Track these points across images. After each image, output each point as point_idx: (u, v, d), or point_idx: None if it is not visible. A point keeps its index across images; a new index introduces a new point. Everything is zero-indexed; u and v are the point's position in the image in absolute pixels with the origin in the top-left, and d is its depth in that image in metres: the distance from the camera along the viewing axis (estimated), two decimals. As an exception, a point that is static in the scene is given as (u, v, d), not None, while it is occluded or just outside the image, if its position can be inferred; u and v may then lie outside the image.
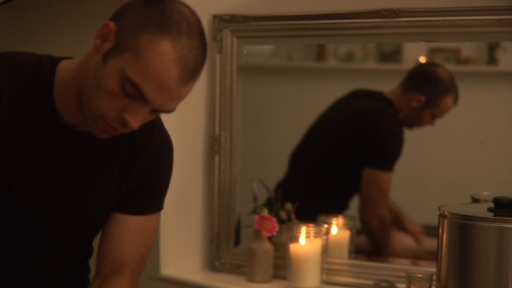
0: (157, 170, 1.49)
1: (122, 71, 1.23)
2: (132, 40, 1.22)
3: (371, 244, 2.34)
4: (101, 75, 1.25)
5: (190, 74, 1.25)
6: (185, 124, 2.20)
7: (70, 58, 1.40)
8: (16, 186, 1.36)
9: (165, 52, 1.21)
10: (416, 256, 2.31)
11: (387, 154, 2.32)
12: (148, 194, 1.49)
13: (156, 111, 1.29)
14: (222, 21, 2.22)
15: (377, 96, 2.38)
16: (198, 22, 1.28)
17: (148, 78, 1.22)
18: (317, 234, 2.04)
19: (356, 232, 2.26)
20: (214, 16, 2.22)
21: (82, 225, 1.46)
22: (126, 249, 1.49)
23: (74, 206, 1.42)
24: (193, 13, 1.28)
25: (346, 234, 2.21)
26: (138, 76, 1.22)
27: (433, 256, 1.66)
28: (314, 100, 2.55)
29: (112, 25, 1.26)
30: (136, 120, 1.27)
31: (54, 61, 1.38)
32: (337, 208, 2.36)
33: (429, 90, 2.33)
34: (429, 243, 2.33)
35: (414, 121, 2.36)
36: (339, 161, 2.37)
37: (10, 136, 1.34)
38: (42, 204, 1.39)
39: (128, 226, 1.48)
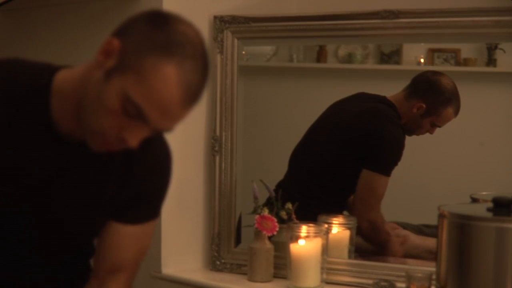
0: (154, 182, 1.48)
1: (124, 91, 1.22)
2: (136, 61, 1.21)
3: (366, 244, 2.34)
4: (102, 93, 1.24)
5: (192, 98, 1.25)
6: (186, 125, 2.18)
7: (69, 66, 1.39)
8: (8, 191, 1.36)
9: (169, 76, 1.21)
10: (415, 256, 2.31)
11: (387, 159, 2.31)
12: (145, 204, 1.49)
13: (155, 130, 1.29)
14: (223, 22, 2.23)
15: (381, 100, 2.38)
16: (202, 43, 1.27)
17: (150, 101, 1.21)
18: (317, 234, 2.05)
19: (356, 232, 2.27)
20: (215, 17, 2.23)
21: (74, 233, 1.47)
22: (122, 255, 1.51)
23: (67, 214, 1.42)
24: (197, 33, 1.27)
25: (346, 234, 2.22)
26: (140, 98, 1.21)
27: (433, 255, 1.66)
28: (314, 100, 2.56)
29: (116, 42, 1.24)
30: (134, 138, 1.27)
31: (52, 70, 1.37)
32: (336, 207, 2.37)
33: (431, 98, 2.33)
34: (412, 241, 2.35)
35: (414, 129, 2.36)
36: (340, 161, 2.37)
37: (4, 142, 1.34)
38: (34, 211, 1.39)
39: (124, 235, 1.49)
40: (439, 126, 2.34)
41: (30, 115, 1.34)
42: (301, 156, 2.44)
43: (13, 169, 1.35)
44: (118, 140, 1.27)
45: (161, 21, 1.25)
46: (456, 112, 2.32)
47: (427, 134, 2.38)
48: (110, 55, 1.24)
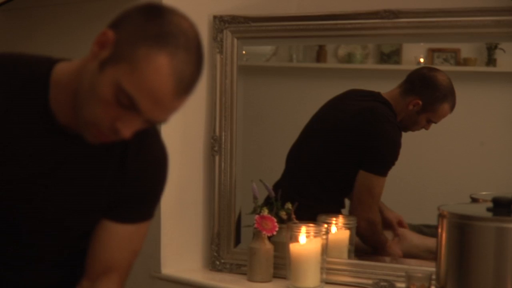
0: (149, 181, 1.48)
1: (117, 81, 1.23)
2: (129, 51, 1.22)
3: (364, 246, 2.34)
4: (96, 83, 1.25)
5: (185, 89, 1.25)
6: (185, 125, 2.21)
7: (68, 59, 1.40)
8: (5, 182, 1.37)
9: (162, 66, 1.21)
10: (415, 256, 2.31)
11: (383, 160, 2.31)
12: (139, 203, 1.49)
13: (149, 121, 1.30)
14: (222, 22, 2.23)
15: (376, 98, 2.38)
16: (197, 36, 1.27)
17: (142, 91, 1.22)
18: (317, 234, 2.04)
19: (355, 232, 2.27)
20: (215, 17, 2.23)
21: (69, 226, 1.46)
22: (114, 256, 1.50)
23: (62, 207, 1.42)
24: (192, 25, 1.27)
25: (346, 234, 2.21)
26: (133, 88, 1.22)
27: (433, 255, 1.66)
28: (314, 100, 2.55)
29: (110, 33, 1.25)
30: (128, 129, 1.27)
31: (51, 62, 1.38)
32: (335, 207, 2.37)
33: (426, 95, 2.33)
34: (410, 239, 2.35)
35: (410, 125, 2.35)
36: (337, 161, 2.37)
37: (2, 134, 1.34)
38: (30, 203, 1.40)
39: (117, 234, 1.49)
40: (435, 122, 2.34)
41: (29, 106, 1.35)
42: (297, 155, 2.44)
43: (10, 159, 1.36)
44: (111, 131, 1.28)
45: (155, 12, 1.25)
46: (452, 108, 2.31)
47: (427, 134, 2.37)
48: (104, 46, 1.25)
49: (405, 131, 2.34)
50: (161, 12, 1.26)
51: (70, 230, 1.47)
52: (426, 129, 2.35)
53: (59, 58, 1.40)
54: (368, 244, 2.33)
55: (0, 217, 1.40)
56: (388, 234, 2.38)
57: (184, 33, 1.24)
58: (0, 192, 1.37)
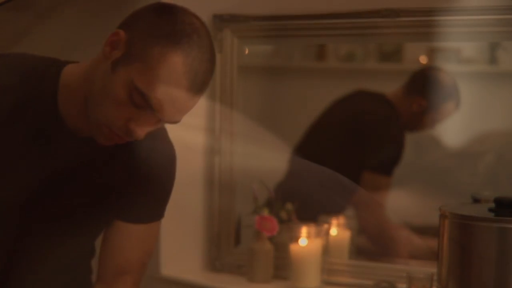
0: (160, 181, 1.48)
1: (130, 80, 1.23)
2: (142, 50, 1.23)
3: (372, 247, 2.33)
4: (109, 83, 1.25)
5: (199, 87, 1.26)
6: (185, 124, 2.19)
7: (76, 62, 1.40)
8: (12, 184, 1.36)
9: (176, 64, 1.22)
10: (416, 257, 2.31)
11: (387, 160, 2.31)
12: (149, 203, 1.49)
13: (162, 121, 1.30)
14: (222, 20, 2.22)
15: (380, 99, 2.38)
16: (208, 34, 1.28)
17: (157, 90, 1.22)
18: (317, 234, 2.04)
19: (356, 232, 2.26)
20: (215, 16, 2.22)
21: (75, 230, 1.46)
22: (128, 257, 1.50)
23: (71, 210, 1.42)
24: (203, 24, 1.28)
25: (346, 234, 2.21)
26: (147, 87, 1.22)
27: (434, 255, 1.65)
28: (315, 100, 2.55)
29: (122, 33, 1.26)
30: (141, 129, 1.28)
31: (59, 64, 1.38)
32: (336, 207, 2.36)
33: (430, 94, 2.33)
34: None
35: (415, 125, 2.36)
36: (340, 162, 2.37)
37: (10, 136, 1.34)
38: (39, 204, 1.39)
39: (129, 235, 1.49)
40: (440, 121, 2.34)
41: (37, 107, 1.35)
42: (300, 155, 2.43)
43: (21, 161, 1.35)
44: (124, 132, 1.28)
45: (167, 11, 1.26)
46: (457, 106, 2.31)
47: (427, 133, 2.37)
48: (116, 46, 1.26)
49: (411, 131, 2.34)
50: (173, 11, 1.26)
51: (75, 229, 1.46)
52: (432, 128, 2.35)
53: (67, 60, 1.40)
54: (376, 245, 2.33)
55: (7, 218, 1.40)
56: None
57: (196, 31, 1.25)
58: (5, 190, 1.37)
